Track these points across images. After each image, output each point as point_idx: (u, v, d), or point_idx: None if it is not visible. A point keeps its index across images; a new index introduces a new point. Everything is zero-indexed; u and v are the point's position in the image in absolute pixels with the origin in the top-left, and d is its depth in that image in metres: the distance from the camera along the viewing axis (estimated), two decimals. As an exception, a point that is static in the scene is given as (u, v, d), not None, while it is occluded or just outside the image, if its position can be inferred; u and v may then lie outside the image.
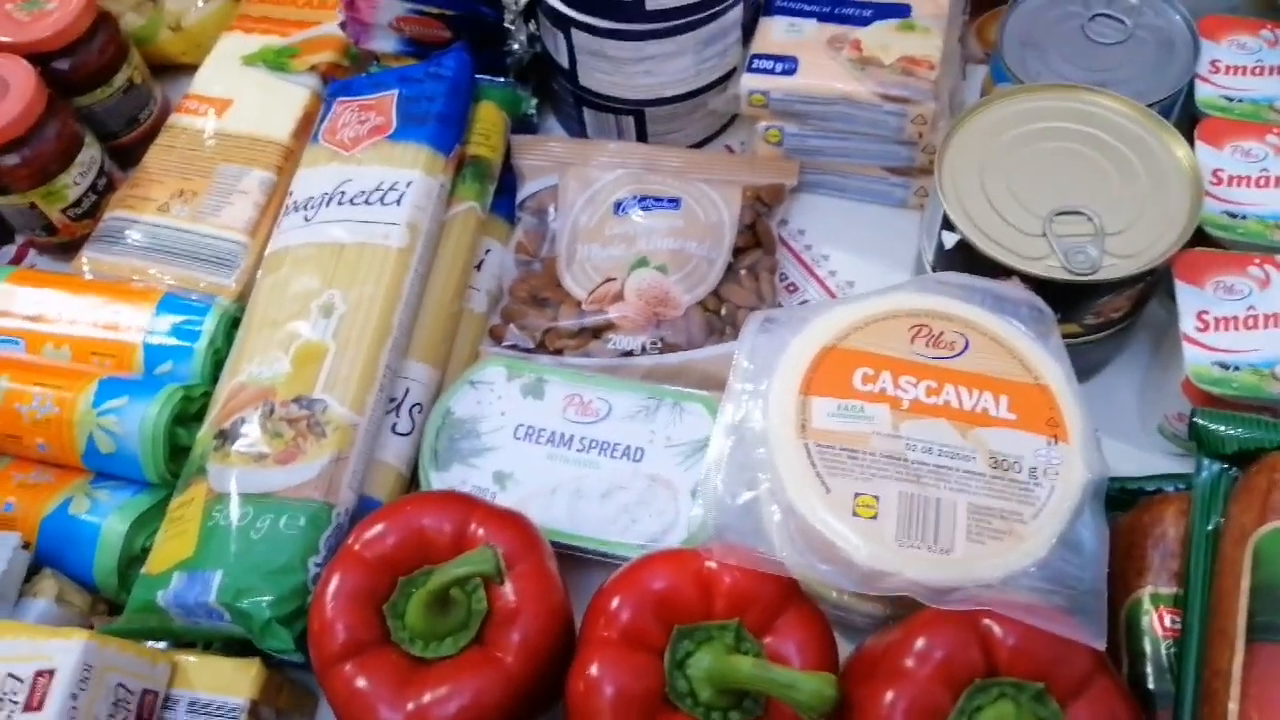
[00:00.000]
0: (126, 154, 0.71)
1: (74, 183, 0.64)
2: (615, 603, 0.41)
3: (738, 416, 0.45)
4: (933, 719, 0.37)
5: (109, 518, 0.53)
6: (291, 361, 0.51)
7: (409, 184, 0.56)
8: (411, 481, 0.54)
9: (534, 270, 0.63)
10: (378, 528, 0.45)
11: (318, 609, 0.43)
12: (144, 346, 0.58)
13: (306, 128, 0.67)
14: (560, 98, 0.68)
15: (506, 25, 0.62)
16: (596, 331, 0.59)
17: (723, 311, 0.60)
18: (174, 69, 0.76)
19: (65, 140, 0.63)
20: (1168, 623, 0.42)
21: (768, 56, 0.60)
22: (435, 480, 0.53)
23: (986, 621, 0.38)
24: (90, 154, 0.65)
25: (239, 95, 0.68)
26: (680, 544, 0.50)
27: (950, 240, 0.52)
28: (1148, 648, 0.42)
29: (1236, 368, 0.48)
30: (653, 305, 0.59)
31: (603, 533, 0.51)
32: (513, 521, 0.46)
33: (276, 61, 0.69)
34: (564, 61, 0.63)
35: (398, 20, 0.65)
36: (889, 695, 0.37)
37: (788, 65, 0.60)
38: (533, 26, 0.64)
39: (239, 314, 0.59)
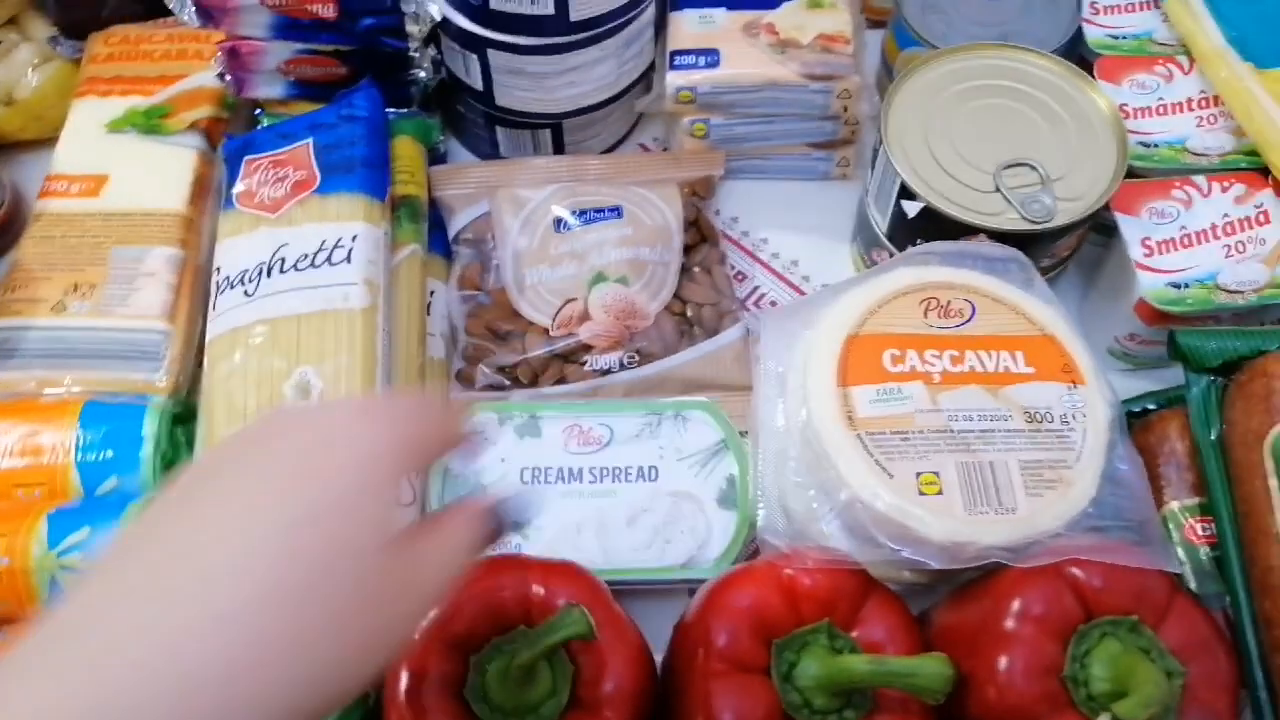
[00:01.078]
0: (-21, 253, 0.63)
1: (-59, 296, 0.56)
2: (710, 630, 0.41)
3: (777, 419, 0.45)
4: (1049, 673, 0.38)
5: (98, 663, 0.47)
6: None
7: (354, 238, 0.52)
8: (425, 549, 0.51)
9: (482, 304, 0.60)
10: (436, 609, 0.42)
11: (395, 711, 0.40)
12: (76, 466, 0.52)
13: (201, 193, 0.61)
14: (468, 120, 0.65)
15: (410, 54, 0.59)
16: (567, 356, 0.58)
17: (688, 313, 0.59)
18: (11, 149, 0.68)
19: (-76, 251, 0.55)
20: (1200, 531, 0.45)
21: (688, 51, 0.60)
22: (454, 543, 0.50)
23: (1071, 569, 0.40)
24: (-47, 260, 0.58)
25: (114, 168, 0.61)
26: (718, 556, 0.50)
27: (913, 209, 0.53)
28: (1184, 556, 0.45)
29: (1186, 285, 0.52)
30: (622, 319, 0.58)
31: (640, 561, 0.50)
32: (569, 572, 0.44)
33: (147, 124, 0.63)
34: (477, 84, 0.60)
35: (286, 64, 0.60)
36: (1003, 660, 0.38)
37: (710, 58, 0.60)
38: (433, 51, 0.61)
39: (179, 410, 0.54)
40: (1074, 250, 0.56)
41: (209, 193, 0.62)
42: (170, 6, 0.57)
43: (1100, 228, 0.58)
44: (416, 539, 0.29)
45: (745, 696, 0.39)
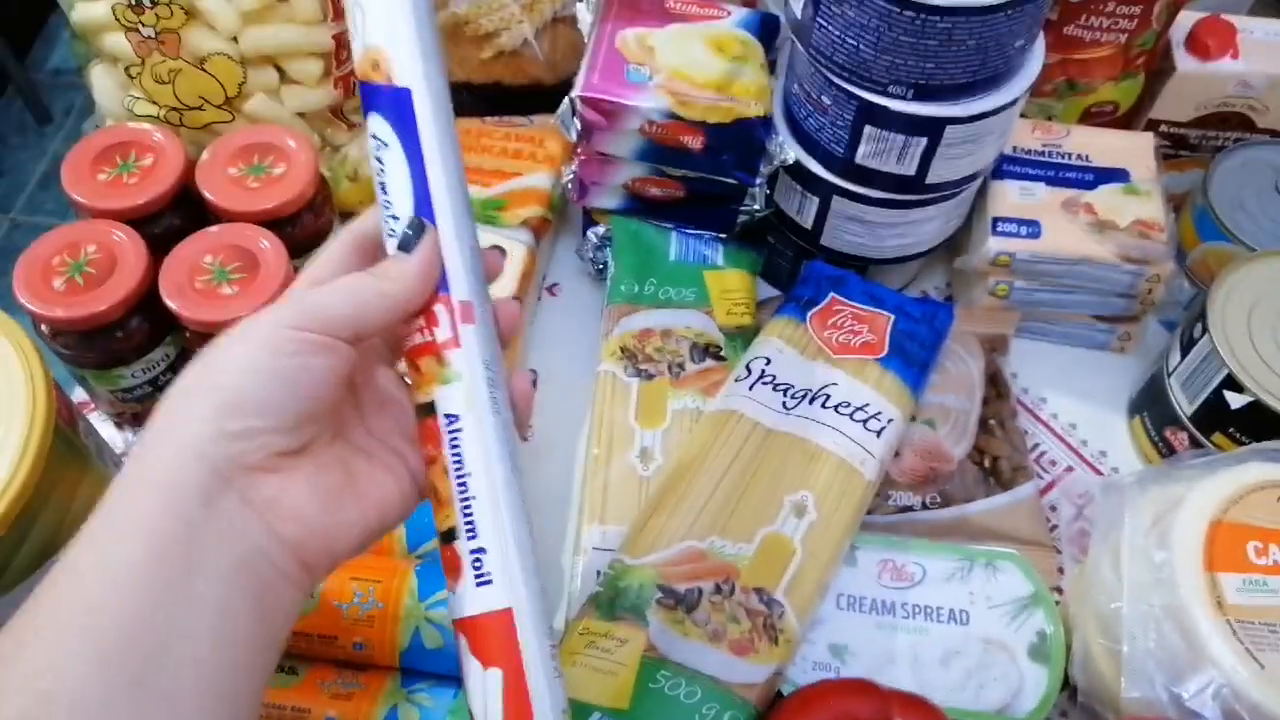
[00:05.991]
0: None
1: (305, 352, 0.61)
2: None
3: (1141, 593, 0.47)
4: None
5: (449, 728, 0.50)
6: (757, 549, 0.51)
7: (890, 421, 0.58)
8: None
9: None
10: (803, 728, 0.45)
11: (769, 822, 0.42)
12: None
13: (525, 285, 0.66)
14: (775, 251, 0.70)
15: (753, 189, 0.64)
16: (869, 489, 0.60)
17: (985, 463, 0.62)
18: (348, 218, 0.73)
19: (303, 310, 0.60)
20: None
21: (1011, 220, 0.64)
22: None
23: None
24: (317, 320, 0.63)
25: (455, 252, 0.67)
26: (1031, 709, 0.52)
27: (1238, 401, 0.56)
28: None
29: None
30: (928, 461, 0.60)
31: (956, 701, 0.52)
32: (927, 710, 0.46)
33: (484, 215, 0.68)
34: (806, 222, 0.65)
35: (634, 181, 0.65)
36: None
37: (1031, 228, 0.64)
38: (765, 187, 0.65)
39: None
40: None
41: (531, 286, 0.67)
42: (556, 121, 0.63)
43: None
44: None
45: None
